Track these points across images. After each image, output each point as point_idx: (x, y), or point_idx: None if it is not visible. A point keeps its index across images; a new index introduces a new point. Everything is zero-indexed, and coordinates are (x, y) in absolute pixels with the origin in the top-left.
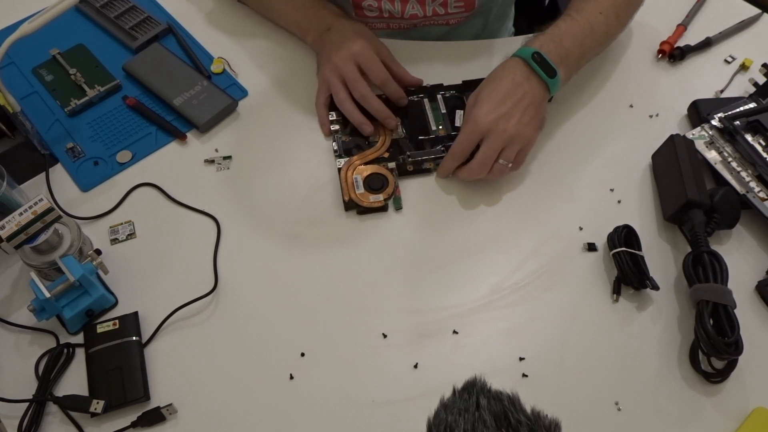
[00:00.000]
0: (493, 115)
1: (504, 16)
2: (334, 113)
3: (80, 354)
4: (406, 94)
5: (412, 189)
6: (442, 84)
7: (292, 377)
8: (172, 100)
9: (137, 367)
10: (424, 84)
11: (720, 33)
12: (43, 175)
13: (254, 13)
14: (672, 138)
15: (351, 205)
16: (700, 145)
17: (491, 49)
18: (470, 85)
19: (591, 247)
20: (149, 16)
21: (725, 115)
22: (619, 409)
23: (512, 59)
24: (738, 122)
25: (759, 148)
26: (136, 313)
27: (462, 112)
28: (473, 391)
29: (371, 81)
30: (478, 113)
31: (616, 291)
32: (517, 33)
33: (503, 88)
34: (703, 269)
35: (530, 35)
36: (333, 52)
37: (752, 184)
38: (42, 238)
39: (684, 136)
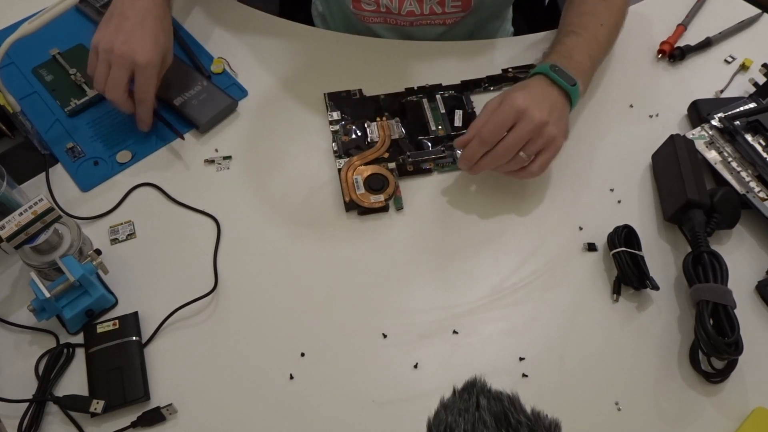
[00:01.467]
0: (529, 101)
1: (500, 17)
2: (334, 114)
3: (80, 354)
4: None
5: (412, 189)
6: (441, 84)
7: (292, 377)
8: (172, 100)
9: (137, 367)
10: (424, 84)
11: (720, 33)
12: (43, 175)
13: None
14: (672, 138)
15: (352, 206)
16: (700, 145)
17: (491, 49)
18: (469, 85)
19: (591, 247)
20: None
21: (725, 115)
22: (619, 409)
23: (532, 77)
24: (738, 122)
25: (759, 148)
26: (136, 313)
27: (461, 112)
28: (473, 391)
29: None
30: (515, 96)
31: (616, 291)
32: (516, 33)
33: (533, 89)
34: (703, 269)
35: (530, 67)
36: (117, 34)
37: (752, 184)
38: (42, 238)
39: (684, 136)
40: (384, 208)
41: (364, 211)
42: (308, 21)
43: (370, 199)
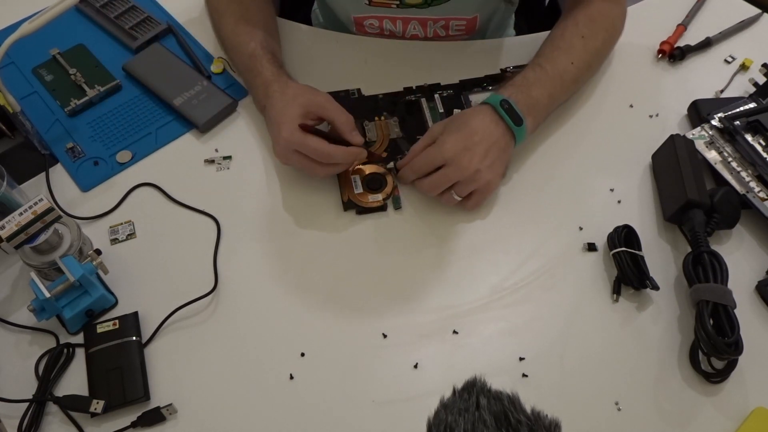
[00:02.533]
0: (460, 146)
1: (503, 26)
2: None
3: (80, 354)
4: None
5: (410, 188)
6: (439, 83)
7: (292, 377)
8: (172, 100)
9: (137, 367)
10: (423, 83)
11: (720, 33)
12: (43, 175)
13: None
14: (672, 138)
15: (350, 205)
16: (700, 145)
17: (490, 49)
18: (467, 85)
19: (591, 247)
20: (149, 16)
21: (725, 115)
22: (619, 409)
23: (481, 105)
24: (738, 122)
25: (759, 148)
26: (136, 313)
27: (459, 111)
28: (473, 391)
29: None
30: (446, 140)
31: (616, 291)
32: (516, 33)
33: (472, 125)
34: (703, 269)
35: (496, 86)
36: (273, 141)
37: (752, 184)
38: (42, 238)
39: (684, 136)
40: (382, 208)
41: (362, 210)
42: (308, 21)
43: (368, 199)
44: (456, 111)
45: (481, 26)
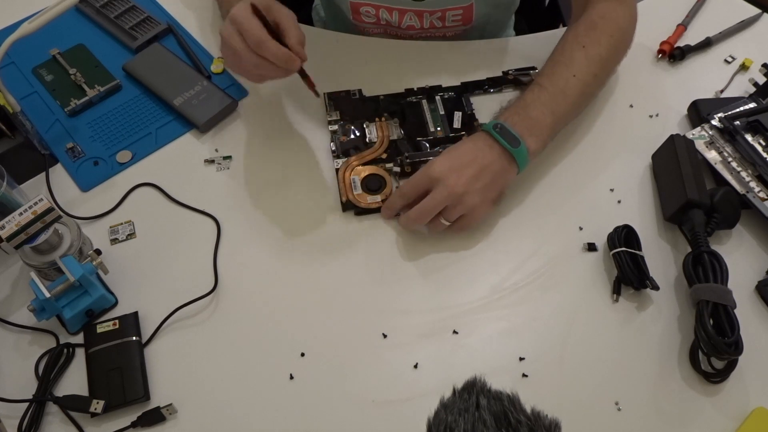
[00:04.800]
0: (447, 166)
1: (503, 25)
2: (334, 114)
3: (80, 354)
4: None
5: None
6: (440, 85)
7: (292, 377)
8: (172, 100)
9: (137, 367)
10: (425, 85)
11: (720, 33)
12: (43, 175)
13: None
14: (672, 138)
15: (349, 206)
16: (700, 145)
17: (492, 50)
18: (469, 87)
19: (591, 247)
20: (149, 16)
21: (725, 115)
22: (619, 409)
23: (477, 133)
24: (738, 122)
25: (759, 148)
26: (136, 313)
27: (460, 113)
28: (473, 391)
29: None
30: (434, 162)
31: (616, 291)
32: (516, 34)
33: (464, 149)
34: (703, 269)
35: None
36: (224, 18)
37: (752, 184)
38: (42, 238)
39: (684, 136)
40: (381, 209)
41: (361, 211)
42: (309, 21)
43: (366, 200)
44: (456, 113)
45: (479, 20)
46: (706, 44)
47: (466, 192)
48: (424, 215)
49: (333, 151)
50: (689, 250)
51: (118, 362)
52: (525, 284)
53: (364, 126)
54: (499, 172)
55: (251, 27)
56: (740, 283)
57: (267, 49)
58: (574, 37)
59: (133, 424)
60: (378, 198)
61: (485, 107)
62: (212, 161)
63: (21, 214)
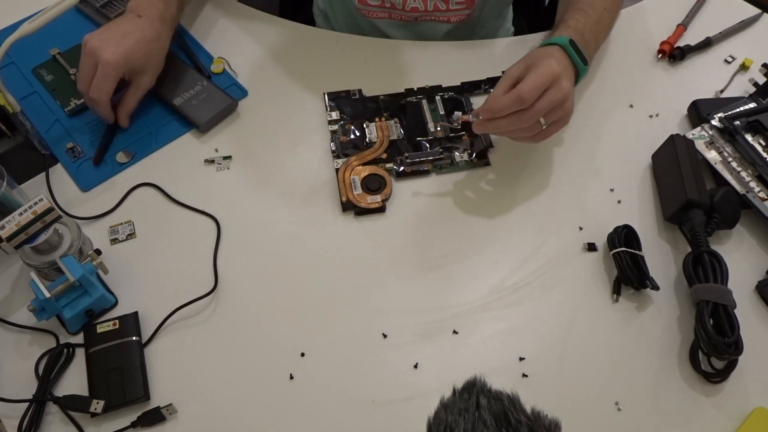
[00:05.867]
0: (561, 69)
1: (500, 16)
2: (333, 113)
3: (80, 354)
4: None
5: (410, 190)
6: (440, 85)
7: (292, 377)
8: (172, 100)
9: (137, 367)
10: (424, 85)
11: (720, 33)
12: (43, 175)
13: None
14: (672, 138)
15: (348, 206)
16: (700, 145)
17: (491, 50)
18: (468, 87)
19: (591, 247)
20: None
21: (725, 115)
22: (619, 409)
23: (550, 46)
24: (738, 122)
25: (759, 148)
26: (136, 313)
27: (460, 113)
28: (473, 391)
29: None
30: (550, 63)
31: (616, 291)
32: (516, 33)
33: (558, 59)
34: (703, 269)
35: (544, 32)
36: (99, 38)
37: (752, 184)
38: (42, 238)
39: (684, 136)
40: (380, 209)
41: (361, 211)
42: (309, 21)
43: (366, 200)
44: (457, 113)
45: (480, 3)
46: (706, 44)
47: (570, 95)
48: (538, 115)
49: (333, 151)
50: (689, 250)
51: (118, 362)
52: (525, 284)
53: (364, 126)
54: (572, 86)
55: (106, 80)
56: (740, 283)
57: (98, 105)
58: None
59: (133, 424)
60: (378, 198)
61: None
62: (212, 161)
63: (21, 214)
